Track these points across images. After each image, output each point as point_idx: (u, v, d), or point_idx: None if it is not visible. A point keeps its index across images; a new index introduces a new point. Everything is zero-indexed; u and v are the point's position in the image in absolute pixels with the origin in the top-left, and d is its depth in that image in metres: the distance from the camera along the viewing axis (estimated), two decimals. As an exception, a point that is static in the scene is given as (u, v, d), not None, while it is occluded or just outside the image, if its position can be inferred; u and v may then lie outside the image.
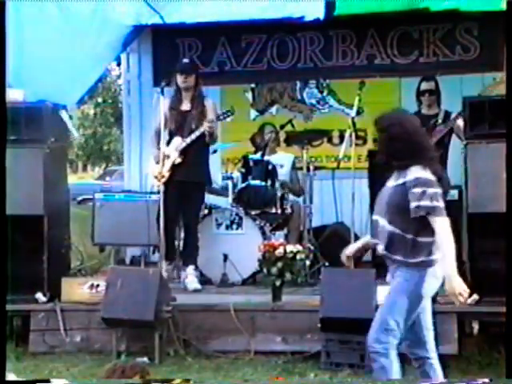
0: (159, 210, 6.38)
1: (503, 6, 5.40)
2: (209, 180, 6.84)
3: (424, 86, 6.96)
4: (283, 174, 7.40)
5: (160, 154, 6.50)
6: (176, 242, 6.97)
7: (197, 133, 6.54)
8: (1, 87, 5.32)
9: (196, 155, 6.61)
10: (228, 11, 7.12)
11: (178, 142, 6.58)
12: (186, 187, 6.57)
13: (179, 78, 6.64)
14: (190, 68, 6.78)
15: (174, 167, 6.58)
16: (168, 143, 6.64)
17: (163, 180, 6.53)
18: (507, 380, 4.45)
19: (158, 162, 6.58)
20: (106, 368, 3.41)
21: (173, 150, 6.57)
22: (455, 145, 6.59)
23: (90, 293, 6.18)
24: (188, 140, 6.53)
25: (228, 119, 6.81)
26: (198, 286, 6.58)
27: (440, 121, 6.79)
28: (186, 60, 7.03)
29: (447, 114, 6.81)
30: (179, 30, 8.14)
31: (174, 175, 6.56)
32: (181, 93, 6.68)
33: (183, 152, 6.56)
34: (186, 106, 6.66)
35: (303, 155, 7.23)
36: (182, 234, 6.96)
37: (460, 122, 6.72)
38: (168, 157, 6.55)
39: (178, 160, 6.55)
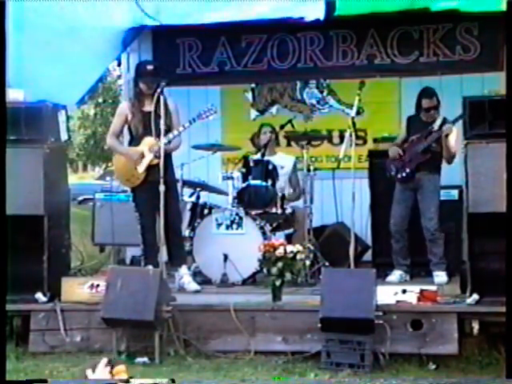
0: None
1: (503, 7, 5.39)
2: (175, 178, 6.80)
3: (427, 103, 6.74)
4: (283, 175, 7.40)
5: (131, 153, 6.46)
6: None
7: (175, 132, 6.39)
8: (1, 87, 5.32)
9: (169, 155, 6.47)
10: (228, 13, 7.13)
11: (152, 143, 6.39)
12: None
13: (143, 86, 6.44)
14: (155, 75, 6.47)
15: (149, 168, 6.44)
16: (129, 143, 6.61)
17: (138, 182, 6.49)
18: (507, 380, 4.45)
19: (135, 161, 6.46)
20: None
21: (147, 150, 6.42)
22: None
23: (90, 293, 6.17)
24: (165, 140, 6.25)
25: (211, 117, 6.59)
26: (198, 287, 6.54)
27: (436, 127, 6.75)
28: (150, 67, 6.59)
29: (444, 121, 6.76)
30: (179, 29, 8.14)
31: (149, 176, 6.43)
32: (143, 94, 6.48)
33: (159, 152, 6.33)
34: (148, 106, 6.44)
35: (303, 155, 7.23)
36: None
37: (450, 136, 6.61)
38: (143, 156, 6.44)
39: (156, 161, 6.34)
